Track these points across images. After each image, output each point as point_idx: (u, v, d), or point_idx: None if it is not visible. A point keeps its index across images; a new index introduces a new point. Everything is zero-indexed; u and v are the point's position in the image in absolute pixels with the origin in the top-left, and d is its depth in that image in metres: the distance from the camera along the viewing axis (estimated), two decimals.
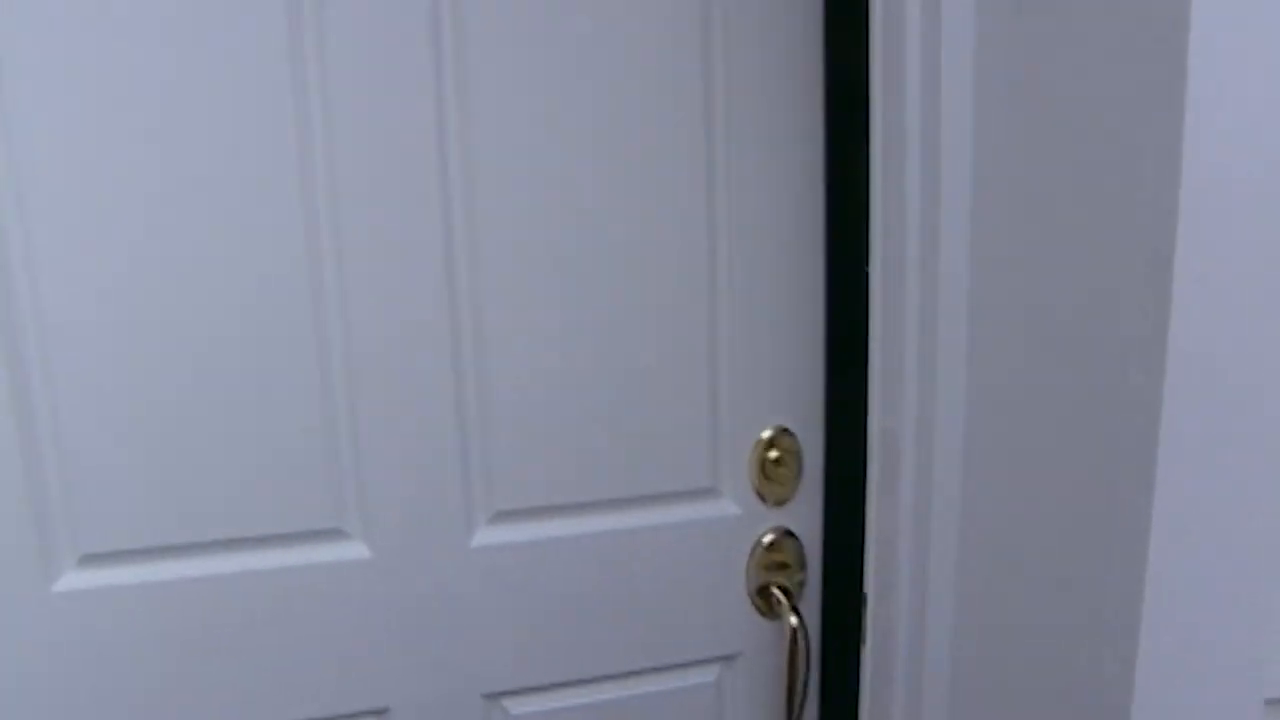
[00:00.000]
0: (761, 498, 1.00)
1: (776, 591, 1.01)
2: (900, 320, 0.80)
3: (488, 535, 0.92)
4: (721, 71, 0.89)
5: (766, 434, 0.98)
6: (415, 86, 0.82)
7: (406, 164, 0.83)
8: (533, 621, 0.95)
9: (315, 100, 0.80)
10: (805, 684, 0.99)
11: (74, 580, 0.82)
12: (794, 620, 0.98)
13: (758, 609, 1.02)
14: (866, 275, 0.85)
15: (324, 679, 0.90)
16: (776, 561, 1.01)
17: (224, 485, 0.84)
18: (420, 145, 0.83)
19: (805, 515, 1.02)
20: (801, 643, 0.98)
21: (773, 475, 0.99)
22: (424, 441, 0.88)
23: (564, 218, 0.88)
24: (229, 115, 0.78)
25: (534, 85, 0.85)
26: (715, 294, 0.94)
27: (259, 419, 0.84)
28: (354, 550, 0.89)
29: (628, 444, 0.95)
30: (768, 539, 1.00)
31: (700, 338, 0.95)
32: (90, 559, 0.82)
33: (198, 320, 0.81)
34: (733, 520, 0.99)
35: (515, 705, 0.97)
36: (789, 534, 1.01)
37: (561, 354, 0.91)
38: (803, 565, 1.02)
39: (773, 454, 0.98)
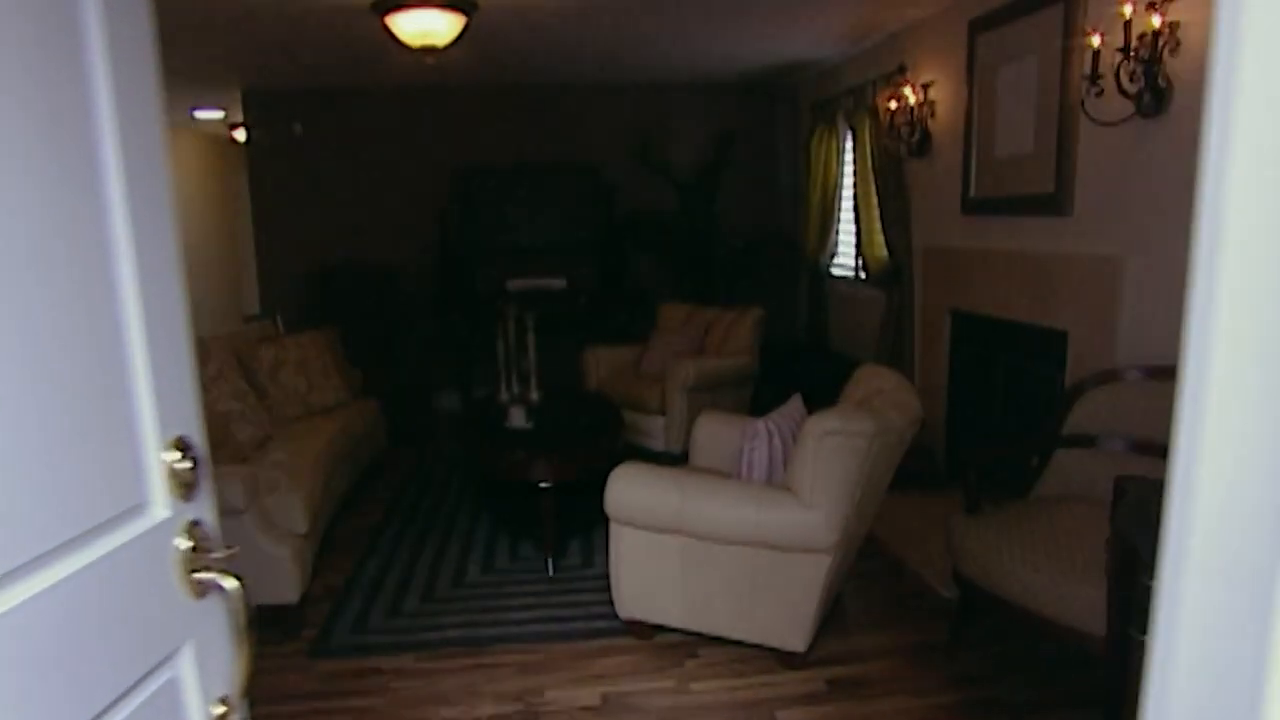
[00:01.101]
0: (177, 497, 1.17)
1: (202, 575, 1.20)
2: None
3: None
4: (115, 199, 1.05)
5: (171, 447, 1.16)
6: None
7: None
8: (20, 700, 0.91)
9: None
10: (252, 626, 1.23)
11: None
12: (232, 583, 1.20)
13: (193, 593, 1.19)
14: None
15: None
16: (198, 546, 1.20)
17: None
18: None
19: (206, 503, 1.23)
20: (243, 599, 1.21)
21: (182, 476, 1.17)
22: None
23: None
24: None
25: None
26: (124, 352, 1.09)
27: None
28: None
29: (72, 488, 0.99)
30: (188, 530, 1.18)
31: (118, 384, 1.07)
32: None
33: None
34: (164, 523, 1.14)
35: None
36: (197, 522, 1.21)
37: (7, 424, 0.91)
38: (210, 544, 1.23)
39: (182, 464, 1.17)
